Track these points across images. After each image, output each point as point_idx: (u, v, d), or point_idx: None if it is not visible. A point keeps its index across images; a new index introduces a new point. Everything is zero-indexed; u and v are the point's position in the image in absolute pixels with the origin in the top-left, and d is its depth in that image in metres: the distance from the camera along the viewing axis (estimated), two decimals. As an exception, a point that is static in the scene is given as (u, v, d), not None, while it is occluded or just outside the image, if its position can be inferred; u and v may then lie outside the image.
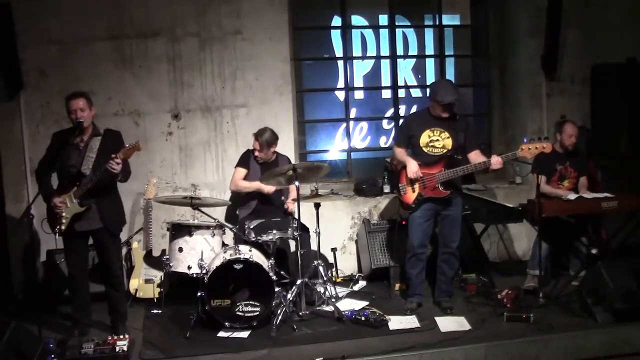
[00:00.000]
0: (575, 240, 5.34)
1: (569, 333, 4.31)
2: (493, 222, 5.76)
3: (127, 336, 4.17)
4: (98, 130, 4.36)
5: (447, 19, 6.86)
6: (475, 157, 4.71)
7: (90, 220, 4.31)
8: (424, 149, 4.75)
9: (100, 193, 4.27)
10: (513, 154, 4.58)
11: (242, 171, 5.36)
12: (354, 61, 6.65)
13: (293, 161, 5.67)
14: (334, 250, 5.87)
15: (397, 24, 6.69)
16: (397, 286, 5.43)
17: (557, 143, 5.34)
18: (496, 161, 4.54)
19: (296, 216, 4.80)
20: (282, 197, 5.35)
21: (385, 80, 6.75)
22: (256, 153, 5.31)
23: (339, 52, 6.59)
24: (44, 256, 5.44)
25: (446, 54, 6.85)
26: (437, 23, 6.79)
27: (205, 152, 5.89)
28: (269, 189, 5.19)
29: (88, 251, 4.60)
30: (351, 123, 6.62)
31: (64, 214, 4.22)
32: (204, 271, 4.61)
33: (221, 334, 4.45)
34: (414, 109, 6.70)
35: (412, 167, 4.69)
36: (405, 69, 6.81)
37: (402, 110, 6.76)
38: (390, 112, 6.76)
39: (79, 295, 4.52)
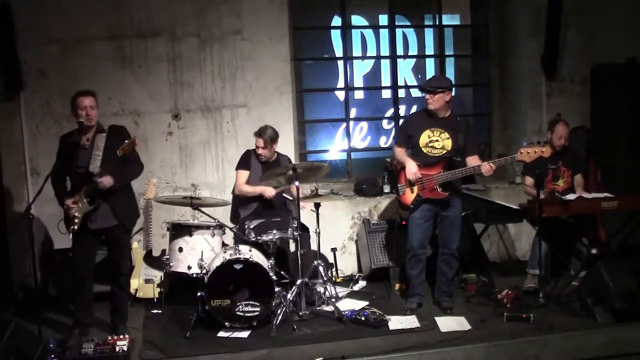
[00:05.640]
0: (576, 240, 5.34)
1: (569, 333, 4.31)
2: (493, 222, 5.75)
3: (127, 336, 4.17)
4: (102, 127, 4.37)
5: (447, 19, 6.86)
6: (472, 162, 4.68)
7: (105, 219, 4.32)
8: (423, 149, 4.74)
9: (110, 190, 4.26)
10: (512, 158, 4.57)
11: (245, 174, 5.35)
12: (354, 61, 6.65)
13: (293, 161, 5.67)
14: (334, 250, 5.86)
15: (397, 24, 6.69)
16: (397, 286, 5.43)
17: (548, 142, 5.30)
18: (487, 169, 4.51)
19: (296, 216, 4.81)
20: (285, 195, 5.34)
21: (385, 80, 6.75)
22: (259, 151, 5.30)
23: (339, 52, 6.59)
24: (44, 256, 5.43)
25: (446, 54, 6.85)
26: (437, 23, 6.79)
27: (205, 152, 5.89)
28: (270, 193, 5.19)
29: (97, 251, 4.60)
30: (351, 123, 6.62)
31: (76, 214, 4.25)
32: (204, 271, 4.61)
33: (221, 334, 4.45)
34: (414, 109, 6.69)
35: (411, 169, 4.68)
36: (405, 69, 6.81)
37: (402, 110, 6.77)
38: (390, 112, 6.76)
39: (83, 295, 4.51)
